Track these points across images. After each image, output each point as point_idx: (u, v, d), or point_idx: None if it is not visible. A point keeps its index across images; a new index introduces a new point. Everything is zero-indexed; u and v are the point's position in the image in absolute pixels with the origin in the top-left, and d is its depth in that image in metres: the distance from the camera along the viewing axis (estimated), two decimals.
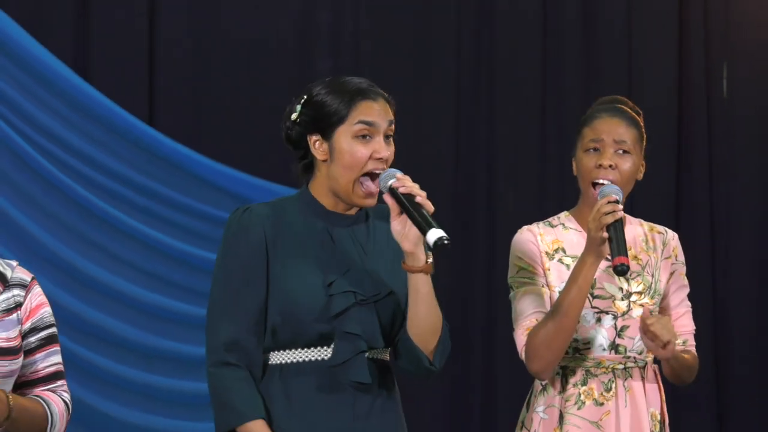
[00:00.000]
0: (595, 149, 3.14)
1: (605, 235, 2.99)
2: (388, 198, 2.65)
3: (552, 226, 3.24)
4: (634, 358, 3.18)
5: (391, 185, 2.65)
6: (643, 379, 3.19)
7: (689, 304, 3.25)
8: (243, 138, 5.06)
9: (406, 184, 2.64)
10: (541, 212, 5.34)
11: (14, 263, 2.67)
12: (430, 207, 2.63)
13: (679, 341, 3.18)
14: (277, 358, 2.69)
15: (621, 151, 3.12)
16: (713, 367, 5.46)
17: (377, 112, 2.70)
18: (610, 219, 2.97)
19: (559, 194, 5.30)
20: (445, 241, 2.59)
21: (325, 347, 2.68)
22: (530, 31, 5.55)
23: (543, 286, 3.18)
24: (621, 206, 3.01)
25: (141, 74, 5.02)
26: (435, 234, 2.59)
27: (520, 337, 3.14)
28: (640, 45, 5.65)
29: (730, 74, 5.69)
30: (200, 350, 4.67)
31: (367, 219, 2.80)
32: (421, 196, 2.63)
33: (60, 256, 4.68)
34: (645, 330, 3.03)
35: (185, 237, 4.89)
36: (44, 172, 4.69)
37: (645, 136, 3.17)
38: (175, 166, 4.84)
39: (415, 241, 2.64)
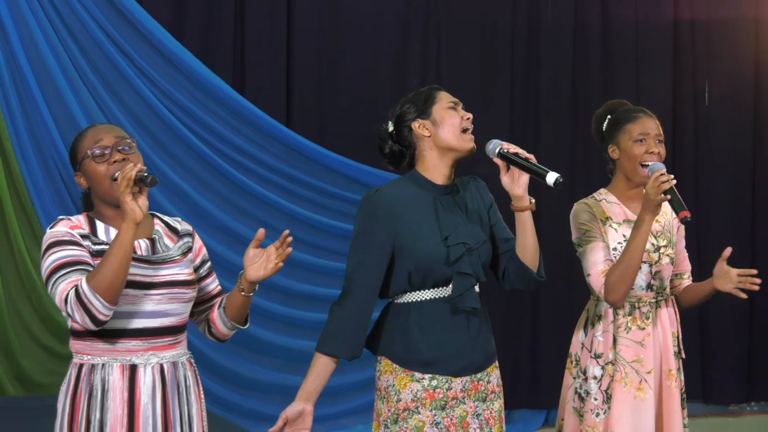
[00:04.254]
0: (643, 140, 3.35)
1: (667, 197, 3.11)
2: (497, 160, 2.89)
3: (597, 200, 3.39)
4: (663, 293, 3.39)
5: (500, 151, 2.87)
6: (667, 308, 3.41)
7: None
8: (356, 136, 5.44)
9: (512, 147, 2.89)
10: (574, 192, 5.55)
11: (179, 219, 2.92)
12: (534, 159, 2.88)
13: (685, 276, 3.53)
14: (412, 297, 2.92)
15: (658, 141, 3.38)
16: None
17: (453, 96, 3.01)
18: (667, 185, 3.13)
19: (586, 178, 5.76)
20: (561, 179, 2.79)
21: (446, 287, 2.91)
22: (564, 60, 5.98)
23: (604, 242, 3.33)
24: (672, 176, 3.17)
25: (280, 90, 5.56)
26: (553, 176, 2.80)
27: (598, 279, 3.28)
28: (645, 68, 6.10)
29: (711, 89, 6.18)
30: (327, 291, 5.29)
31: (457, 189, 3.00)
32: (526, 153, 2.88)
33: (224, 222, 5.17)
34: (730, 280, 3.24)
35: (317, 209, 5.38)
36: (211, 161, 5.21)
37: None
38: (307, 156, 5.34)
39: (524, 187, 2.87)
